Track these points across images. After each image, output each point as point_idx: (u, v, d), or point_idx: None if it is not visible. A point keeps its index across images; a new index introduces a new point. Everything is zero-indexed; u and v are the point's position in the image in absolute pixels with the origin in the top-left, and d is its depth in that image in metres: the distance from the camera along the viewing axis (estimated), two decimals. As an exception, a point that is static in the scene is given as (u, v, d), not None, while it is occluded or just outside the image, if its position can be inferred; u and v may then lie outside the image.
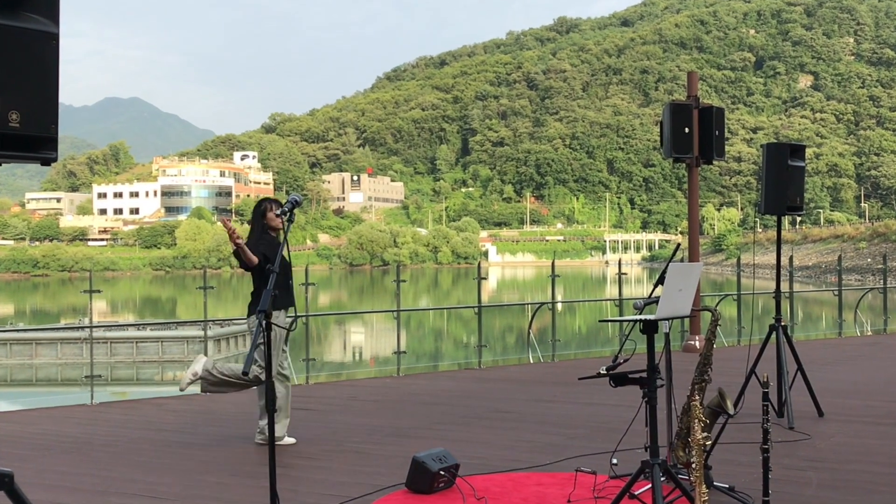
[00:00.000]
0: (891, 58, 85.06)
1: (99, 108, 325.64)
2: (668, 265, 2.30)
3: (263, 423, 3.13)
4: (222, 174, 68.59)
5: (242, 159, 74.79)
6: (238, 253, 3.12)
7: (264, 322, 2.00)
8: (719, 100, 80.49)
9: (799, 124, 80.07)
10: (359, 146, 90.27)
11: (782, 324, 3.59)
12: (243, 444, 3.22)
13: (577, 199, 77.96)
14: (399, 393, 4.46)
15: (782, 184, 3.56)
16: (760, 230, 51.39)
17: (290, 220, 2.23)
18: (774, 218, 3.69)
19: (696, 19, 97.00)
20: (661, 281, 2.32)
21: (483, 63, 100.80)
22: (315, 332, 13.14)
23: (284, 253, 2.29)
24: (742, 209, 70.23)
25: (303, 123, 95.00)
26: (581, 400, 4.10)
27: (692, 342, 5.91)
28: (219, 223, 55.15)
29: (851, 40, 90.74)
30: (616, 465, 2.43)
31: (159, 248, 56.10)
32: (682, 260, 6.11)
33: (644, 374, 2.19)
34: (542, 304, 6.52)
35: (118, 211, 65.95)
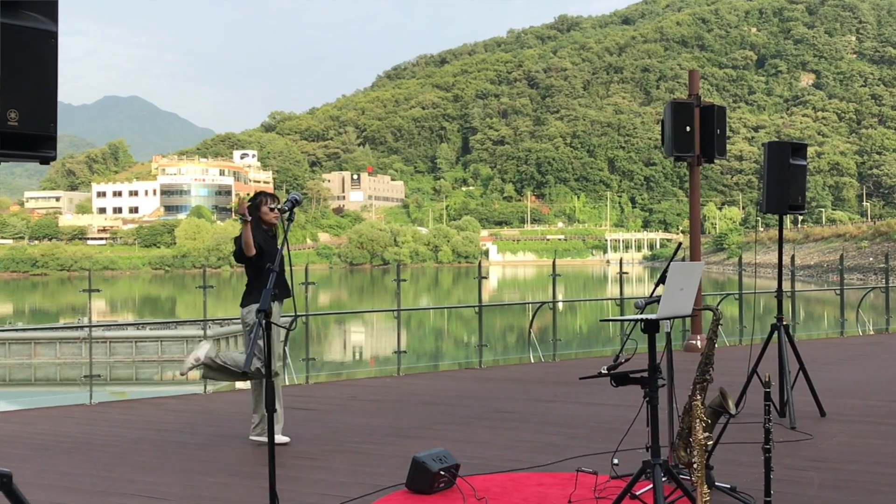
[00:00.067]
0: (893, 56, 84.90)
1: (98, 106, 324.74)
2: (669, 264, 2.30)
3: (256, 417, 3.10)
4: (222, 173, 68.53)
5: (242, 158, 74.71)
6: (238, 238, 3.10)
7: (264, 322, 1.99)
8: (721, 98, 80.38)
9: (801, 123, 79.95)
10: (359, 145, 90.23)
11: (784, 323, 3.59)
12: (243, 444, 3.21)
13: (578, 197, 77.90)
14: (399, 393, 4.46)
15: (784, 183, 3.55)
16: (762, 229, 51.31)
17: (290, 219, 2.22)
18: (776, 217, 3.68)
19: (697, 17, 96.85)
20: (662, 280, 2.31)
21: (484, 61, 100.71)
22: (315, 331, 13.11)
23: (281, 249, 2.28)
24: (743, 208, 70.15)
25: (303, 122, 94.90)
26: (582, 400, 4.09)
27: (693, 341, 5.89)
28: (218, 221, 55.46)
29: (853, 38, 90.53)
30: (617, 465, 2.42)
31: (158, 248, 56.05)
32: (683, 259, 6.11)
33: (645, 374, 2.18)
34: (543, 303, 6.52)
35: (117, 210, 65.84)
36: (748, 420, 3.27)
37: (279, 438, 3.13)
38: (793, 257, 7.44)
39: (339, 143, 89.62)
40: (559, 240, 68.64)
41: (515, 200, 78.11)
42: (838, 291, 7.50)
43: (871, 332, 7.79)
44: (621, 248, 65.47)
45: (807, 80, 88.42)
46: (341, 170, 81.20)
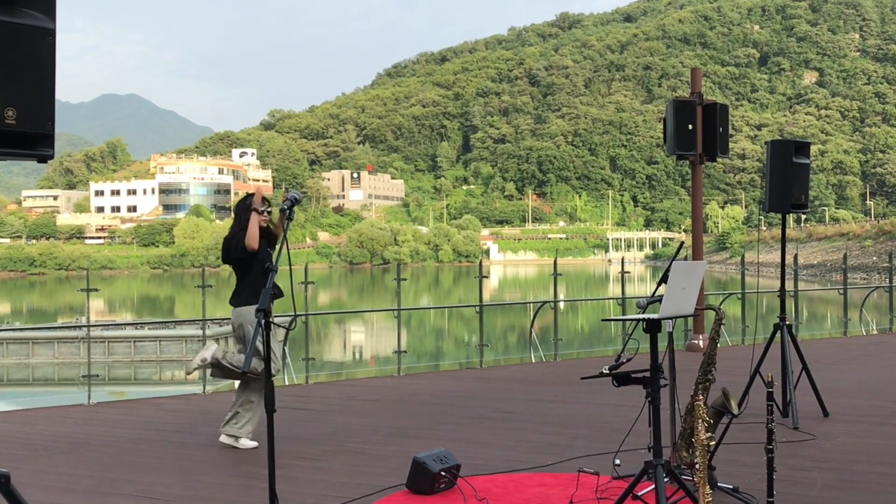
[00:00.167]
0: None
1: (96, 104, 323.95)
2: (671, 263, 2.29)
3: (230, 414, 3.07)
4: (221, 171, 68.33)
5: (241, 156, 74.51)
6: (228, 239, 3.08)
7: (263, 321, 1.98)
8: (723, 96, 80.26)
9: (804, 121, 79.66)
10: (359, 143, 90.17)
11: (787, 323, 3.57)
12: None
13: (580, 196, 77.76)
14: (400, 393, 4.45)
15: (787, 181, 3.53)
16: (765, 228, 51.08)
17: (290, 218, 2.20)
18: (779, 216, 3.67)
19: (699, 15, 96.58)
20: (664, 279, 2.30)
21: (484, 59, 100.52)
22: (315, 331, 13.08)
23: (280, 248, 2.26)
24: (746, 207, 69.89)
25: (302, 120, 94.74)
26: (583, 400, 4.07)
27: (696, 341, 5.87)
28: (217, 220, 54.89)
29: (857, 36, 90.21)
30: (619, 465, 2.41)
31: (157, 247, 55.75)
32: (685, 258, 6.08)
33: (647, 374, 2.17)
34: (545, 302, 6.51)
35: (115, 209, 65.54)
36: (751, 420, 3.25)
37: (246, 443, 3.09)
38: (796, 256, 7.39)
39: (338, 141, 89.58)
40: (560, 239, 68.51)
41: (516, 199, 78.00)
42: (841, 291, 7.49)
43: (875, 332, 7.76)
44: (623, 247, 65.28)
45: (810, 77, 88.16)
46: (341, 168, 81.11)
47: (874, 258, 34.99)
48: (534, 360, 5.87)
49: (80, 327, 9.51)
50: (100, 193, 66.92)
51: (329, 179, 77.52)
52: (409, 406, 4.01)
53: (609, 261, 59.69)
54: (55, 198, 69.27)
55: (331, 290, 33.63)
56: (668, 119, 5.62)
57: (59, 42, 1.42)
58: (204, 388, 4.61)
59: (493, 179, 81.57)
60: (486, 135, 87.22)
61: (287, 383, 4.98)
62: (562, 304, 7.81)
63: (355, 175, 78.23)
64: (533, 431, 3.37)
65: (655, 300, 2.33)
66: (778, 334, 3.55)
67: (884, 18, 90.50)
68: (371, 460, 2.91)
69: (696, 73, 6.08)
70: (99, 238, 59.01)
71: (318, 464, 2.88)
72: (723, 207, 68.32)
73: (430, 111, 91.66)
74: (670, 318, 2.30)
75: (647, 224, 73.97)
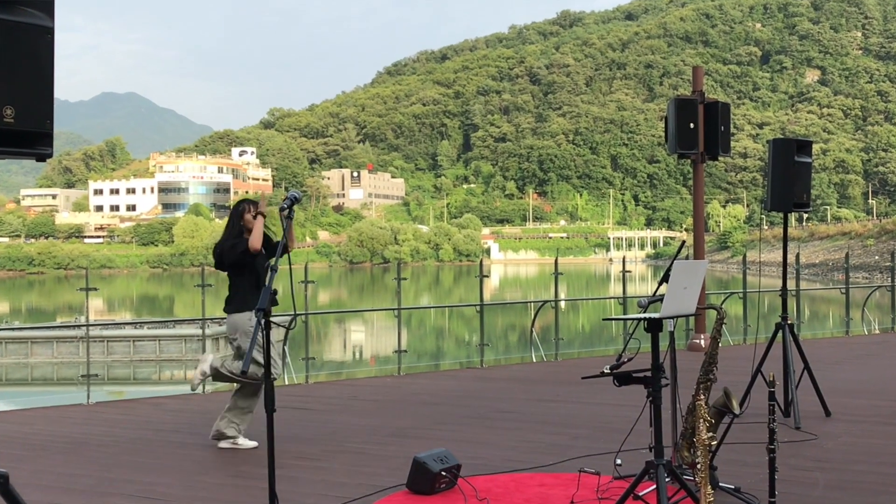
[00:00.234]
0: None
1: (95, 103, 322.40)
2: (672, 263, 2.28)
3: (223, 426, 3.06)
4: (220, 170, 68.05)
5: (241, 155, 74.28)
6: (219, 244, 3.06)
7: (263, 321, 1.97)
8: (725, 95, 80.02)
9: (806, 119, 79.46)
10: (359, 142, 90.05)
11: (789, 322, 3.56)
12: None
13: (581, 195, 77.63)
14: (400, 392, 4.44)
15: (789, 180, 3.51)
16: (766, 227, 50.95)
17: (290, 217, 2.19)
18: (781, 215, 3.65)
19: (701, 13, 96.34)
20: (665, 279, 2.29)
21: (485, 57, 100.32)
22: (315, 330, 13.07)
23: (280, 248, 2.24)
24: (748, 206, 69.77)
25: (302, 119, 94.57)
26: (584, 399, 4.06)
27: (697, 341, 5.85)
28: (216, 219, 54.86)
29: (859, 34, 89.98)
30: (620, 465, 2.41)
31: (156, 246, 55.51)
32: (686, 257, 6.06)
33: (648, 374, 2.16)
34: (545, 302, 6.50)
35: (115, 208, 65.32)
36: (752, 420, 3.24)
37: (246, 443, 3.09)
38: (797, 255, 7.40)
39: (338, 140, 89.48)
40: (561, 238, 68.40)
41: (517, 198, 77.87)
42: (844, 290, 7.44)
43: (877, 332, 7.73)
44: (624, 246, 65.15)
45: (812, 76, 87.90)
46: (341, 167, 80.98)
47: (876, 257, 34.90)
48: (535, 360, 5.85)
49: (78, 327, 9.47)
50: (99, 192, 66.78)
51: (329, 178, 77.36)
52: (409, 406, 4.00)
53: (610, 260, 59.66)
54: (54, 197, 69.08)
55: (331, 289, 33.55)
56: (669, 117, 5.60)
57: (58, 40, 1.42)
58: (203, 387, 4.59)
59: (493, 178, 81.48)
60: (487, 133, 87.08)
61: (287, 383, 4.96)
62: (563, 304, 7.81)
63: (355, 174, 78.13)
64: (534, 431, 3.37)
65: (657, 299, 2.33)
66: (780, 334, 3.55)
67: (886, 16, 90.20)
68: (371, 460, 2.90)
69: (697, 72, 6.06)
70: (98, 237, 58.90)
71: (318, 464, 2.88)
72: (724, 206, 68.16)
73: (431, 110, 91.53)
74: (672, 318, 2.30)
75: (649, 223, 73.84)
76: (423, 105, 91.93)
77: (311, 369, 5.01)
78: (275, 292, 2.05)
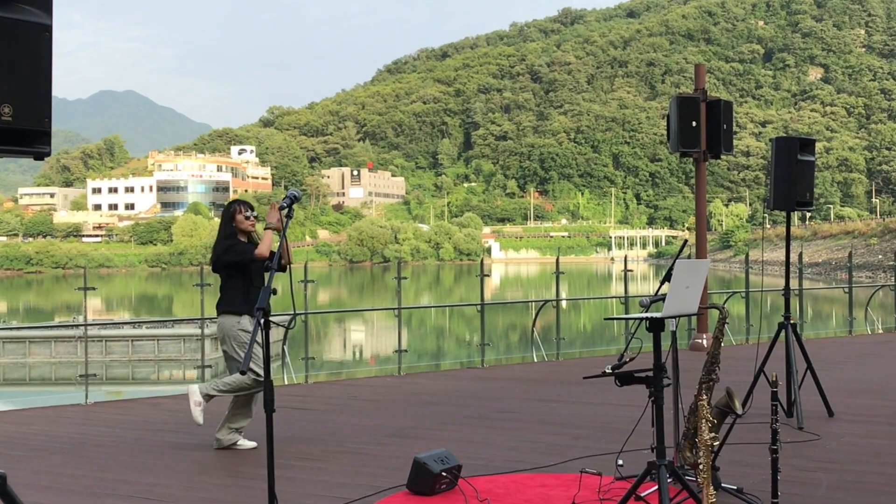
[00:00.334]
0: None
1: (93, 101, 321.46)
2: (674, 262, 2.27)
3: (223, 434, 3.04)
4: (219, 169, 67.85)
5: (240, 154, 74.11)
6: (217, 245, 3.03)
7: (262, 320, 1.95)
8: (727, 93, 79.72)
9: (809, 118, 79.23)
10: (359, 140, 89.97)
11: (791, 322, 3.54)
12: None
13: (582, 194, 77.50)
14: (400, 392, 4.43)
15: (792, 179, 3.49)
16: (769, 226, 50.83)
17: (289, 216, 2.18)
18: (783, 214, 3.63)
19: (703, 10, 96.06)
20: (667, 278, 2.28)
21: (486, 55, 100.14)
22: (314, 330, 13.04)
23: (279, 249, 2.22)
24: (750, 205, 69.62)
25: (301, 117, 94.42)
26: (586, 399, 4.05)
27: (699, 340, 5.83)
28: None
29: (862, 32, 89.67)
30: (622, 466, 2.40)
31: (155, 245, 55.31)
32: (689, 256, 6.03)
33: (650, 374, 2.15)
34: (547, 301, 6.48)
35: (113, 206, 65.11)
36: (755, 420, 3.22)
37: (245, 443, 3.08)
38: (800, 255, 7.38)
39: (338, 138, 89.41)
40: (563, 237, 68.23)
41: (518, 197, 77.79)
42: (847, 289, 7.39)
43: (881, 331, 7.72)
44: (626, 245, 65.04)
45: (815, 74, 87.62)
46: (341, 166, 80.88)
47: (880, 256, 34.77)
48: (536, 360, 5.84)
49: (77, 326, 9.42)
50: (97, 191, 66.60)
51: (329, 177, 77.20)
52: (409, 406, 3.99)
53: (612, 259, 59.45)
54: (52, 195, 68.82)
55: (331, 288, 33.51)
56: (671, 116, 5.57)
57: (56, 38, 1.41)
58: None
59: (494, 177, 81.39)
60: (488, 132, 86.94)
61: (287, 383, 4.96)
62: (564, 303, 7.80)
63: (355, 172, 78.03)
64: (535, 431, 3.35)
65: (659, 299, 2.31)
66: (782, 333, 3.53)
67: (890, 14, 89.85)
68: (371, 461, 2.89)
69: (699, 70, 6.03)
70: (96, 236, 58.67)
71: (317, 464, 2.86)
72: (727, 205, 68.04)
73: (431, 108, 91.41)
74: (674, 317, 2.29)
75: (651, 222, 73.67)
76: (424, 103, 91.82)
77: (310, 369, 5.00)
78: (274, 292, 2.04)
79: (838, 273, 33.41)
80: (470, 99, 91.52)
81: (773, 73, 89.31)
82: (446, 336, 14.99)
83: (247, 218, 3.11)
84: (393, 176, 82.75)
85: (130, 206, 65.14)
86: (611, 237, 68.21)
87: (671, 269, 2.25)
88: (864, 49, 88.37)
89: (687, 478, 2.29)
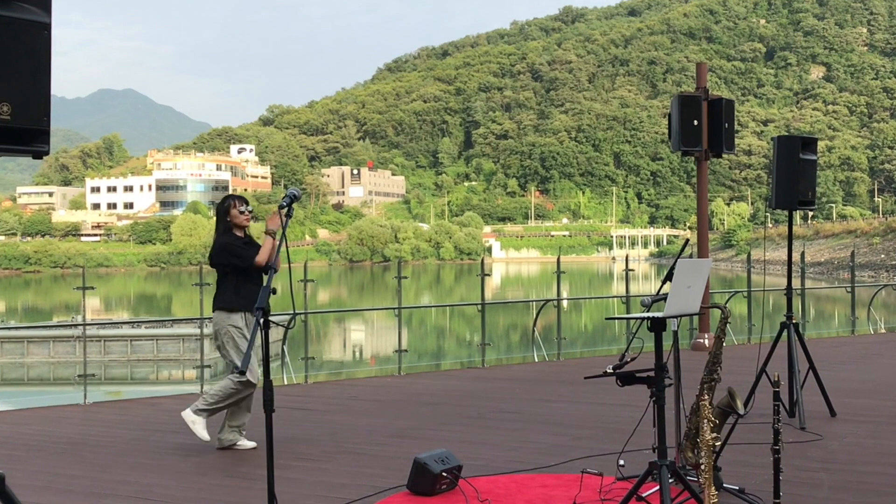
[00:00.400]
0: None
1: (92, 99, 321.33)
2: (676, 261, 2.26)
3: (225, 434, 3.03)
4: (219, 168, 67.63)
5: (239, 152, 73.99)
6: (216, 244, 3.00)
7: (262, 320, 1.94)
8: (729, 91, 79.47)
9: (811, 116, 79.10)
10: (359, 139, 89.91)
11: (794, 321, 3.52)
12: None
13: (583, 193, 77.44)
14: (400, 392, 4.42)
15: (794, 178, 3.48)
16: (771, 225, 50.79)
17: (289, 215, 2.17)
18: (786, 213, 3.62)
19: (705, 9, 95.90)
20: (669, 277, 2.27)
21: (486, 54, 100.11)
22: (314, 329, 13.01)
23: (279, 247, 2.21)
24: (752, 204, 69.53)
25: (301, 116, 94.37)
26: (587, 399, 4.04)
27: (701, 340, 5.82)
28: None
29: (864, 30, 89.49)
30: (623, 466, 2.39)
31: (154, 244, 55.13)
32: (690, 256, 6.02)
33: (652, 374, 2.14)
34: (548, 301, 6.45)
35: (112, 205, 64.97)
36: (757, 420, 3.22)
37: (245, 443, 3.07)
38: (803, 254, 7.34)
39: (338, 137, 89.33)
40: (564, 236, 68.15)
41: (519, 196, 77.73)
42: (849, 289, 7.37)
43: (883, 331, 7.74)
44: (627, 244, 64.96)
45: (817, 72, 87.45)
46: (341, 164, 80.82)
47: (882, 256, 34.74)
48: (536, 360, 5.83)
49: (75, 326, 9.38)
50: (96, 190, 66.40)
51: (329, 176, 77.11)
52: (410, 406, 3.98)
53: (613, 258, 59.42)
54: (50, 194, 68.65)
55: (330, 288, 33.42)
56: (672, 114, 5.56)
57: (55, 36, 1.41)
58: (202, 387, 4.59)
59: (495, 176, 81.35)
60: (488, 130, 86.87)
61: (286, 383, 4.95)
62: (565, 303, 7.79)
63: (355, 171, 77.95)
64: (536, 432, 3.34)
65: (660, 298, 2.30)
66: (784, 333, 3.52)
67: (892, 12, 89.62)
68: (371, 461, 2.88)
69: (701, 68, 6.00)
70: (95, 235, 58.43)
71: (317, 464, 2.86)
72: (728, 204, 67.95)
73: (432, 106, 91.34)
74: (675, 317, 2.28)
75: (652, 221, 73.56)
76: (424, 102, 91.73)
77: (310, 369, 4.99)
78: (273, 291, 2.04)
79: (840, 272, 33.34)
80: (470, 97, 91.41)
81: (775, 71, 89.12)
82: (447, 336, 14.93)
83: (241, 213, 3.07)
84: (393, 175, 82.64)
85: (129, 206, 64.98)
86: (612, 236, 68.09)
87: (673, 268, 2.25)
88: (866, 47, 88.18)
89: (689, 478, 2.29)
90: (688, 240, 3.33)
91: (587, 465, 2.61)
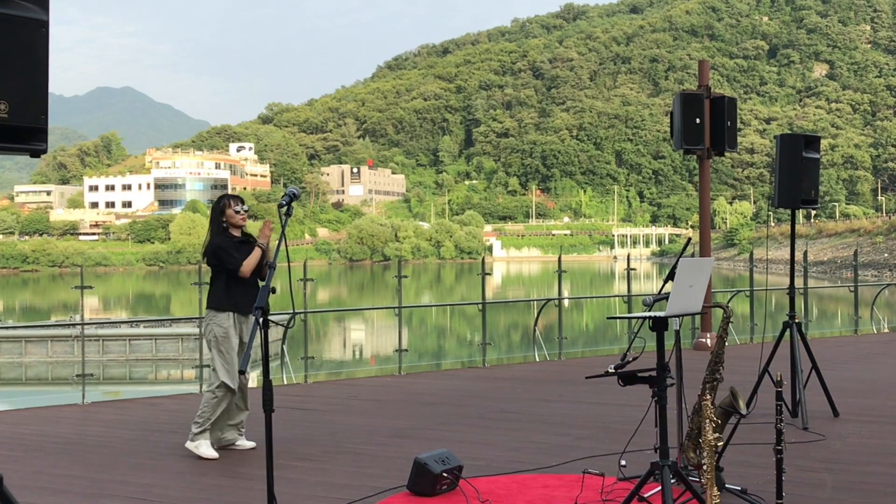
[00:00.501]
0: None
1: (90, 98, 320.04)
2: (678, 260, 2.26)
3: (225, 433, 3.01)
4: (218, 166, 67.41)
5: (238, 151, 73.80)
6: (209, 246, 3.00)
7: (261, 320, 1.93)
8: (731, 89, 79.48)
9: (814, 115, 78.89)
10: (359, 137, 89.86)
11: (796, 321, 3.51)
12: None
13: (585, 192, 77.36)
14: (401, 392, 4.41)
15: (796, 176, 3.47)
16: (774, 224, 50.73)
17: (288, 214, 2.15)
18: (788, 212, 3.61)
19: (707, 6, 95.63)
20: (671, 276, 2.27)
21: (487, 51, 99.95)
22: (314, 329, 13.03)
23: (279, 246, 2.20)
24: (755, 202, 69.36)
25: (301, 114, 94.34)
26: (589, 399, 4.03)
27: (703, 340, 5.80)
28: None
29: (868, 28, 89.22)
30: (625, 466, 2.38)
31: (153, 243, 55.06)
32: (692, 255, 5.98)
33: (654, 373, 2.13)
34: (549, 300, 6.44)
35: (110, 204, 64.79)
36: (759, 420, 3.21)
37: (244, 443, 3.05)
38: (805, 253, 7.29)
39: (338, 135, 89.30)
40: (565, 235, 68.08)
41: (520, 194, 77.66)
42: (852, 288, 7.37)
43: (886, 330, 7.72)
44: (629, 243, 64.97)
45: (820, 70, 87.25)
46: (341, 163, 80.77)
47: (885, 255, 34.58)
48: (537, 359, 5.81)
49: (74, 325, 9.35)
50: (94, 189, 66.16)
51: (328, 174, 76.97)
52: (410, 406, 3.97)
53: (614, 257, 59.42)
54: (48, 193, 68.41)
55: (330, 287, 33.34)
56: (675, 113, 5.54)
57: (53, 34, 1.42)
58: (200, 387, 4.60)
59: (496, 174, 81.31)
60: (489, 129, 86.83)
61: (286, 383, 4.95)
62: (566, 302, 7.77)
63: (355, 170, 77.83)
64: (537, 432, 3.33)
65: (662, 298, 2.29)
66: (787, 332, 3.51)
67: (895, 10, 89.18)
68: (371, 461, 2.87)
69: (703, 66, 5.98)
70: (93, 234, 58.29)
71: (317, 465, 2.85)
72: (731, 203, 67.76)
73: (432, 104, 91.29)
74: (677, 316, 2.27)
75: (654, 220, 73.49)
76: (425, 100, 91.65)
77: (310, 369, 4.98)
78: (273, 290, 2.02)
79: (843, 271, 33.25)
80: (471, 95, 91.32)
81: (778, 69, 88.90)
82: (447, 335, 14.90)
83: (237, 212, 3.06)
84: (393, 173, 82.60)
85: (128, 204, 64.86)
86: (613, 235, 68.04)
87: (675, 267, 2.24)
88: (869, 45, 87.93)
89: (690, 478, 2.28)
90: (690, 239, 3.31)
91: (589, 466, 2.60)
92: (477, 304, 5.87)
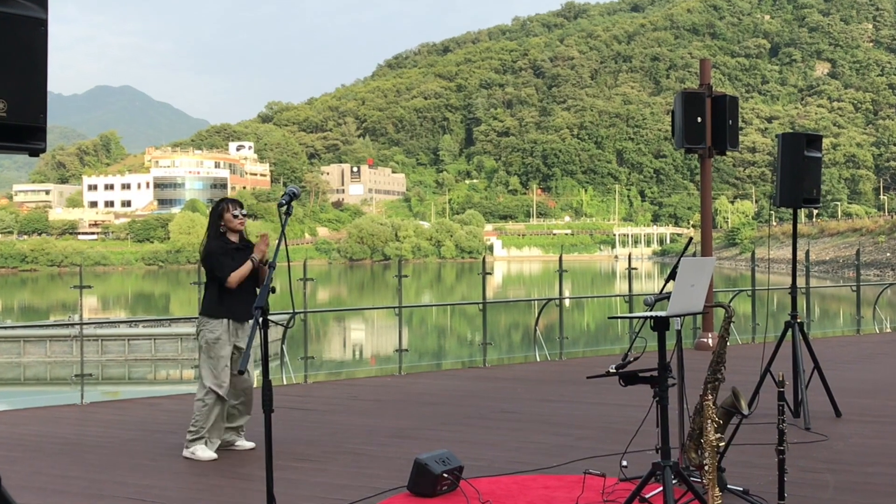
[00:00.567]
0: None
1: (89, 96, 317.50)
2: (679, 260, 2.25)
3: (224, 435, 3.00)
4: (217, 165, 67.18)
5: (238, 150, 73.59)
6: (208, 253, 2.99)
7: (261, 320, 1.92)
8: (733, 88, 79.24)
9: (815, 113, 78.66)
10: (359, 136, 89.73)
11: (798, 321, 3.50)
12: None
13: (586, 191, 77.24)
14: (401, 392, 4.40)
15: (798, 175, 3.46)
16: (775, 223, 50.65)
17: (288, 213, 2.14)
18: (790, 211, 3.61)
19: (708, 4, 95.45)
20: (672, 276, 2.26)
21: (488, 50, 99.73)
22: (314, 329, 13.01)
23: (278, 246, 2.19)
24: (756, 202, 69.14)
25: (301, 113, 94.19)
26: (590, 400, 4.02)
27: (705, 339, 5.79)
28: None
29: (870, 26, 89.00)
30: (626, 467, 2.38)
31: (152, 242, 54.79)
32: (694, 254, 5.98)
33: (655, 373, 2.13)
34: (550, 300, 6.42)
35: (109, 203, 64.52)
36: (761, 421, 3.19)
37: (244, 443, 3.05)
38: (807, 252, 7.32)
39: (338, 134, 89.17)
40: (566, 234, 67.98)
41: (521, 194, 77.60)
42: (854, 288, 7.36)
43: (889, 330, 7.68)
44: (630, 242, 64.78)
45: (822, 69, 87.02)
46: (341, 162, 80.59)
47: (888, 254, 34.48)
48: (538, 359, 5.80)
49: (72, 325, 9.28)
50: (93, 188, 65.90)
51: (328, 173, 76.78)
52: (410, 406, 3.97)
53: (616, 257, 59.34)
54: (47, 192, 68.09)
55: (330, 286, 33.28)
56: (676, 111, 5.53)
57: (52, 32, 1.40)
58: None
59: (496, 173, 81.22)
60: (490, 128, 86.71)
61: (286, 383, 4.94)
62: (567, 302, 7.77)
63: (355, 169, 77.69)
64: (537, 432, 3.33)
65: (663, 297, 2.29)
66: (789, 332, 3.49)
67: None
68: (372, 462, 2.87)
69: (704, 65, 5.96)
70: (92, 233, 58.06)
71: (317, 465, 2.84)
72: (732, 202, 67.55)
73: (432, 103, 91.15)
74: (679, 316, 2.27)
75: (655, 219, 73.38)
76: (425, 99, 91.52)
77: (310, 369, 4.98)
78: (273, 290, 2.02)
79: (846, 271, 33.11)
80: (471, 94, 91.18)
81: (780, 68, 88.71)
82: (447, 335, 14.87)
83: (235, 216, 3.04)
84: (393, 172, 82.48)
85: (127, 203, 64.65)
86: (615, 235, 67.91)
87: (676, 267, 2.24)
88: (871, 44, 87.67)
89: (692, 479, 2.27)
90: (691, 238, 3.31)
91: (590, 466, 2.59)
92: (477, 303, 5.86)
